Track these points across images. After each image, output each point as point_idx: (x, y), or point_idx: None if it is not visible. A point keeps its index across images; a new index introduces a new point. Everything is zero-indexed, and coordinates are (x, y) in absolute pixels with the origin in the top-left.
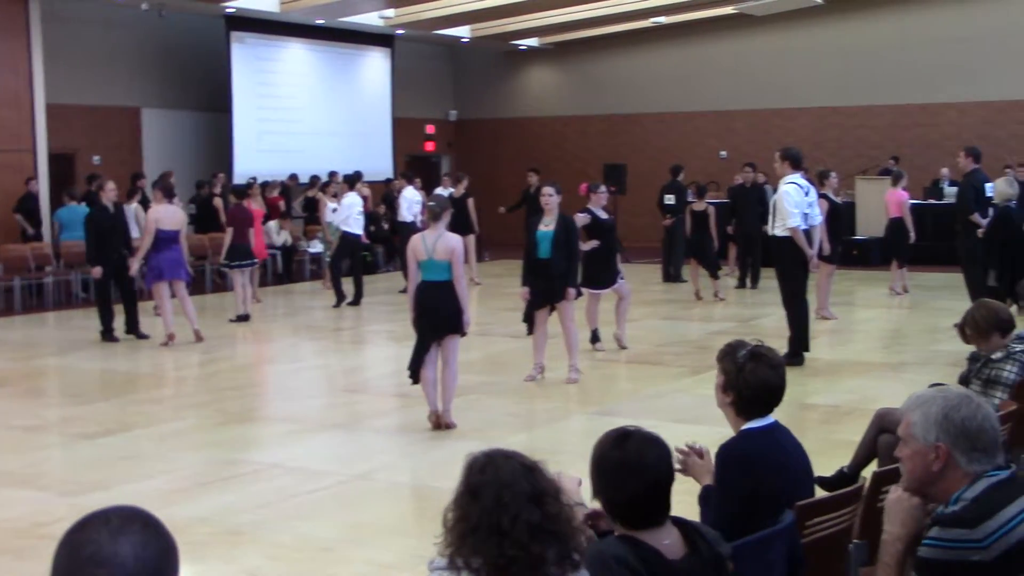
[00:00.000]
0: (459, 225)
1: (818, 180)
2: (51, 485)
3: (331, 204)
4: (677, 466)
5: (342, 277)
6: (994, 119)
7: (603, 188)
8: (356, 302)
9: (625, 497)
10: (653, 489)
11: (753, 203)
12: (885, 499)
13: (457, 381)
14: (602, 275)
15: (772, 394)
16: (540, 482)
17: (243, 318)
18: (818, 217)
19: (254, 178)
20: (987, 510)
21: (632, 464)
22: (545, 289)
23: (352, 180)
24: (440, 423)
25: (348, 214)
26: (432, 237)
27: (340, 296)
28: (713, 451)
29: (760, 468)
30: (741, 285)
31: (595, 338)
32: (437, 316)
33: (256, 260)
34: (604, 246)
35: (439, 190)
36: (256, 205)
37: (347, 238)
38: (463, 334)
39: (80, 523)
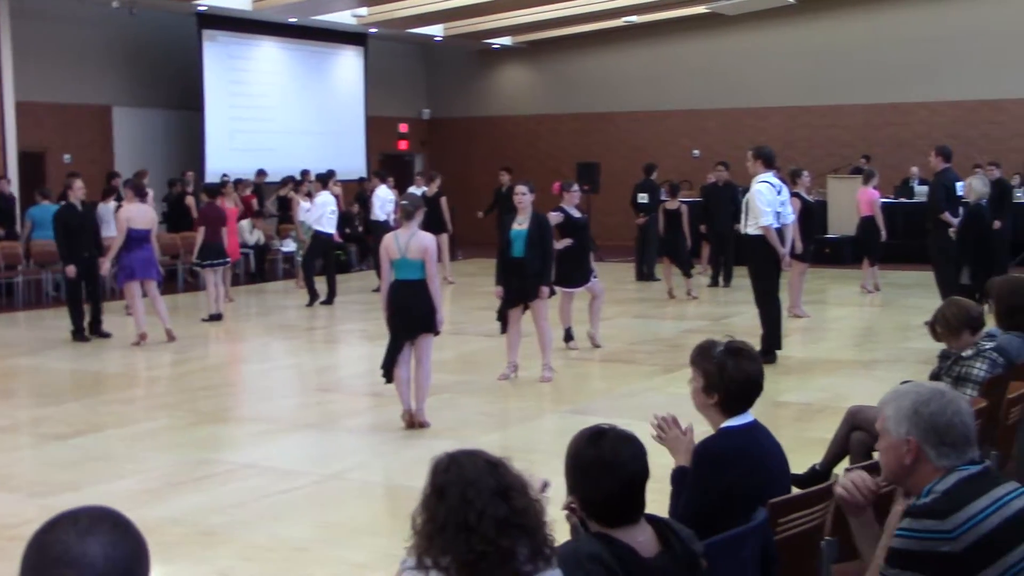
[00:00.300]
0: (432, 224)
1: (790, 179)
2: (21, 486)
3: (304, 203)
4: (653, 432)
5: (315, 276)
6: (965, 119)
7: (576, 187)
8: (329, 301)
9: (601, 495)
10: (628, 487)
11: (725, 202)
12: (889, 516)
13: (431, 380)
14: (575, 274)
15: (757, 386)
16: (505, 477)
17: (215, 317)
18: (790, 216)
19: (226, 176)
20: (957, 502)
21: (608, 462)
22: (519, 288)
23: (325, 179)
24: (414, 422)
25: (321, 213)
26: (405, 236)
27: (313, 295)
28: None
29: (738, 466)
30: (714, 284)
31: (569, 336)
32: (410, 315)
33: (228, 259)
34: (577, 245)
35: (412, 189)
36: (230, 204)
37: (320, 237)
38: (436, 333)
39: (49, 523)
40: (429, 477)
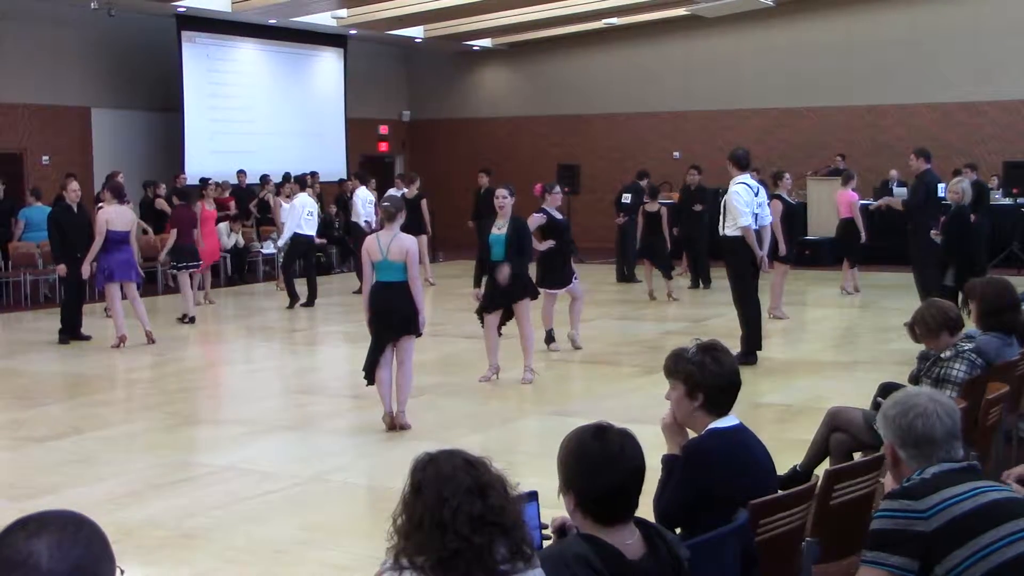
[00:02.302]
0: (413, 226)
1: (772, 181)
2: (0, 490)
3: (285, 205)
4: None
5: (295, 278)
6: (942, 121)
7: (558, 189)
8: (310, 303)
9: (604, 488)
10: (629, 482)
11: (696, 205)
12: None
13: (412, 382)
14: (557, 275)
15: (738, 378)
16: (483, 475)
17: (188, 319)
18: (768, 217)
19: (205, 179)
20: (933, 487)
21: (612, 455)
22: (501, 290)
23: (303, 181)
24: (395, 424)
25: (299, 215)
26: (387, 238)
27: (293, 297)
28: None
29: (725, 466)
30: (695, 285)
31: (550, 338)
32: (392, 317)
33: (201, 261)
34: (559, 246)
35: (392, 191)
36: (210, 206)
37: (299, 239)
38: (418, 335)
39: (4, 530)
40: (408, 475)
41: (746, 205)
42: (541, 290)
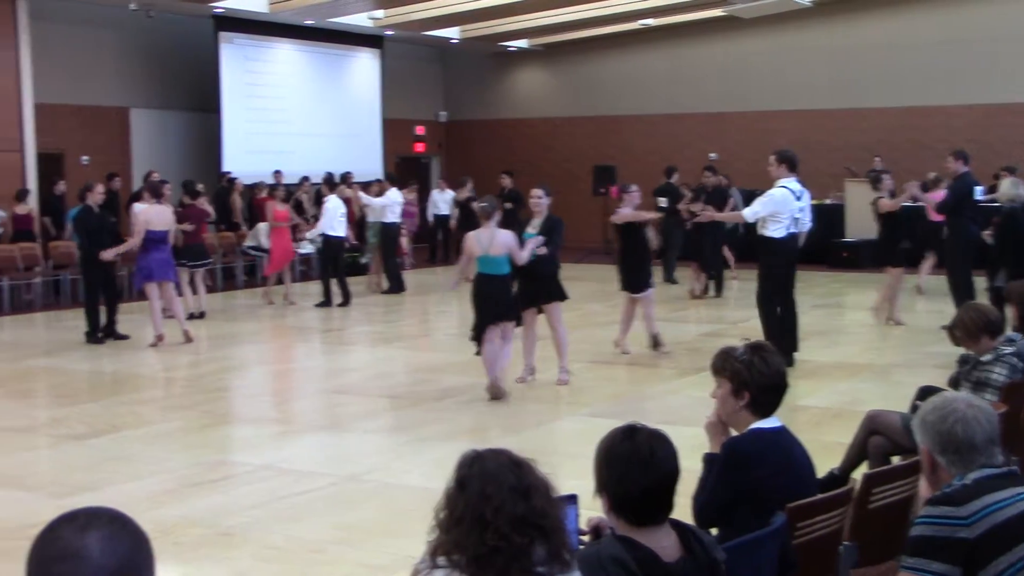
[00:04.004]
0: (469, 226)
1: (871, 184)
2: (40, 486)
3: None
4: (707, 419)
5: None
6: (982, 122)
7: (634, 188)
8: (345, 303)
9: (633, 491)
10: (660, 484)
11: (718, 206)
12: None
13: (509, 358)
14: (639, 278)
15: (784, 380)
16: (528, 476)
17: (197, 316)
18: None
19: (275, 182)
20: (975, 492)
21: (642, 457)
22: (532, 291)
23: (333, 183)
24: (497, 393)
25: (332, 217)
26: (486, 235)
27: (328, 298)
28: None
29: (765, 467)
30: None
31: (657, 342)
32: (495, 306)
33: (210, 259)
34: (638, 247)
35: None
36: (280, 207)
37: (330, 241)
38: (518, 322)
39: (49, 525)
40: (454, 471)
41: (778, 205)
42: (625, 293)
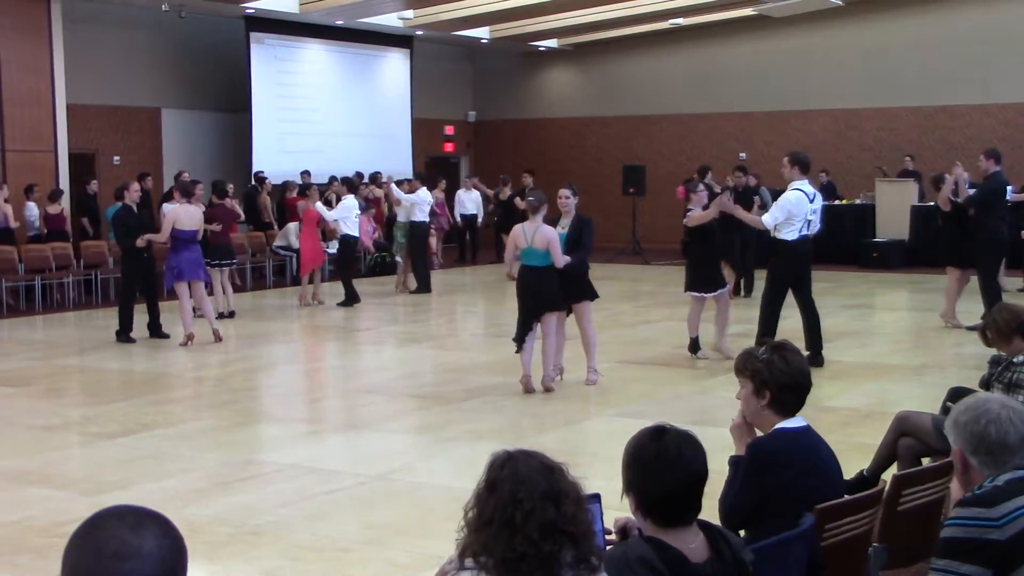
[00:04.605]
0: (510, 223)
1: (932, 185)
2: (71, 484)
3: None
4: (732, 421)
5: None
6: (1015, 121)
7: (702, 187)
8: (346, 303)
9: (659, 491)
10: (687, 485)
11: (745, 207)
12: None
13: (563, 351)
14: (707, 278)
15: (807, 378)
16: (559, 482)
17: (226, 315)
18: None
19: (307, 183)
20: (1006, 494)
21: (670, 458)
22: (563, 289)
23: (353, 184)
24: (530, 387)
25: (347, 216)
26: (531, 228)
27: (350, 296)
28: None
29: (790, 467)
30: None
31: (695, 346)
32: (538, 297)
33: (235, 259)
34: (708, 248)
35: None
36: (310, 206)
37: (347, 240)
38: (561, 311)
39: (92, 522)
40: (485, 471)
41: (793, 207)
42: (688, 294)
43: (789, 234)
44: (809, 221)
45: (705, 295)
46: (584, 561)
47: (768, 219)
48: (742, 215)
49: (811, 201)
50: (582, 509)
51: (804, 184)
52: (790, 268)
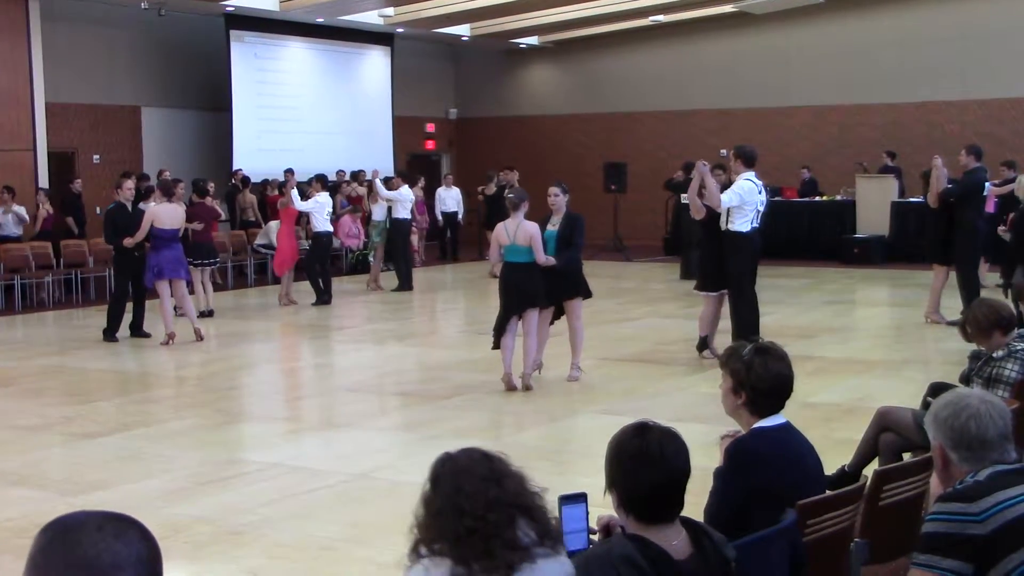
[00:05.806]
0: (497, 218)
1: (923, 180)
2: (52, 484)
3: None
4: (724, 432)
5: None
6: (994, 117)
7: (718, 171)
8: (320, 301)
9: (642, 488)
10: (669, 482)
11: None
12: None
13: (544, 349)
14: (718, 276)
15: (785, 385)
16: (500, 466)
17: (206, 314)
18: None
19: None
20: (987, 489)
21: (652, 455)
22: (555, 286)
23: (326, 181)
24: (513, 385)
25: (318, 210)
26: (513, 225)
27: (320, 293)
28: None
29: (770, 466)
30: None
31: (703, 345)
32: (519, 293)
33: (218, 258)
34: (717, 246)
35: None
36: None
37: (318, 237)
38: (542, 308)
39: (63, 537)
40: (428, 473)
41: (747, 193)
42: (700, 293)
43: (742, 225)
44: (759, 211)
45: (711, 294)
46: (547, 534)
47: (725, 198)
48: (709, 184)
49: (760, 192)
50: (525, 487)
51: (751, 175)
52: (749, 263)
